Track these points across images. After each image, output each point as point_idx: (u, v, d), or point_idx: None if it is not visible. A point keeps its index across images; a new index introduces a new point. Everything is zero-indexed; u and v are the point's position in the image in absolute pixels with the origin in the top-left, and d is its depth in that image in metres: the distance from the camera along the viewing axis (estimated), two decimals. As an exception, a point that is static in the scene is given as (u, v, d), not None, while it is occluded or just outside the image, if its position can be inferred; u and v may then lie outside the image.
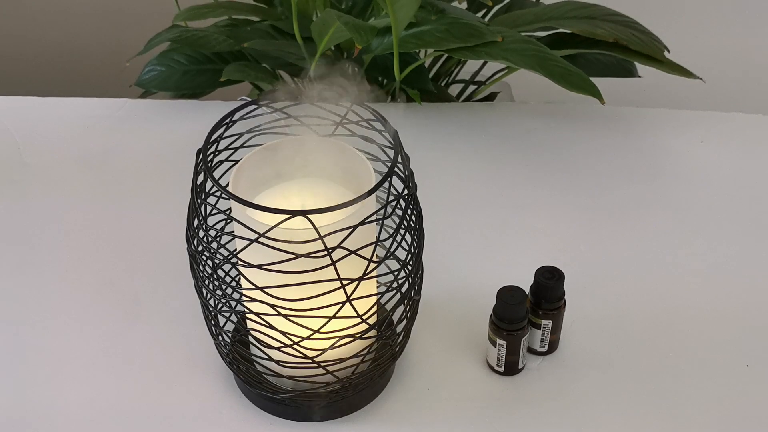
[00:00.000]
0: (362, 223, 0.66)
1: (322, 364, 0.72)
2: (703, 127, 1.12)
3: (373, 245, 0.68)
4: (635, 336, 0.85)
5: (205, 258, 0.71)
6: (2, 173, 1.05)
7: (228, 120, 0.72)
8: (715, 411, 0.79)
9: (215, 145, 0.71)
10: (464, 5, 1.23)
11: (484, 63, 1.28)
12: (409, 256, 0.73)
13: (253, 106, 0.73)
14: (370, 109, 0.72)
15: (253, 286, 0.68)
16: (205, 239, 0.70)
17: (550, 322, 0.81)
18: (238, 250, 0.68)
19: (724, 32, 1.74)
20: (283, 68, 1.17)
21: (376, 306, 0.74)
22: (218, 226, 0.75)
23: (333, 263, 0.65)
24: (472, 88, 1.34)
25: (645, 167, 1.06)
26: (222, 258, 0.69)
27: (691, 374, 0.82)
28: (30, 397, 0.80)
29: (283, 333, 0.70)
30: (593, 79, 1.01)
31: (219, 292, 0.72)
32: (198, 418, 0.78)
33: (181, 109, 1.16)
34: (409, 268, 0.73)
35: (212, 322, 0.75)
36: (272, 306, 0.68)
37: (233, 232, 0.69)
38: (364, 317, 0.71)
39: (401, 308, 0.75)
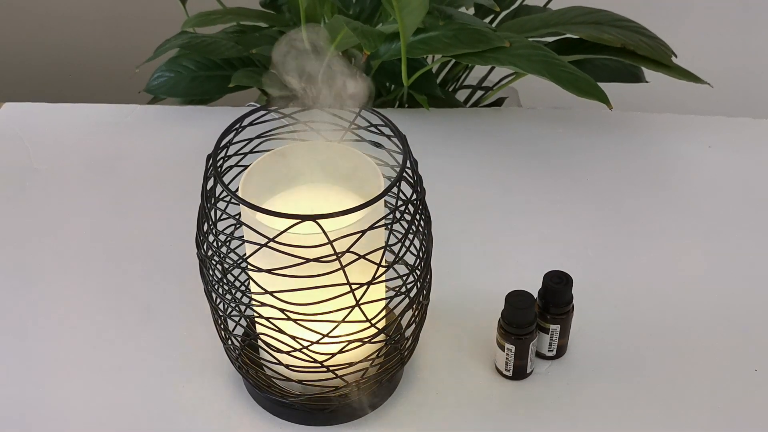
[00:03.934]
0: (371, 227, 0.66)
1: (331, 368, 0.72)
2: (710, 132, 1.12)
3: (382, 250, 0.68)
4: (643, 341, 0.85)
5: (214, 262, 0.71)
6: (12, 179, 1.06)
7: (237, 125, 0.72)
8: (723, 415, 0.79)
9: (225, 150, 0.72)
10: (472, 11, 1.24)
11: (492, 68, 1.28)
12: (418, 260, 0.73)
13: (263, 112, 0.74)
14: (378, 114, 0.72)
15: (263, 291, 0.68)
16: (214, 244, 0.70)
17: (559, 326, 0.81)
18: (247, 254, 0.69)
19: (732, 37, 1.74)
20: (292, 74, 1.17)
21: (384, 310, 0.74)
22: (228, 231, 0.76)
23: (342, 267, 0.66)
24: (479, 93, 1.34)
25: (652, 172, 1.06)
26: (231, 262, 0.70)
27: (699, 379, 0.82)
28: (40, 399, 0.80)
29: (293, 337, 0.70)
30: (600, 85, 1.01)
31: (228, 297, 0.73)
32: (207, 422, 0.79)
33: (189, 114, 1.17)
34: (418, 272, 0.73)
35: (222, 326, 0.76)
36: (281, 310, 0.68)
37: (243, 236, 0.70)
38: (373, 321, 0.71)
39: (410, 312, 0.75)
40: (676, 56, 1.11)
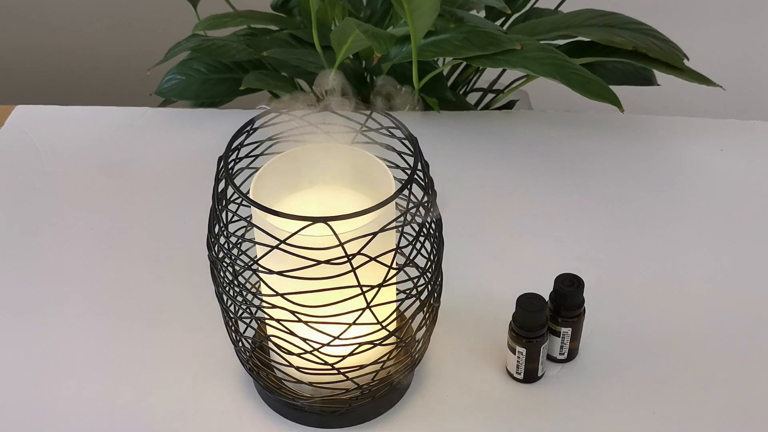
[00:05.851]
0: (382, 230, 0.66)
1: (341, 370, 0.72)
2: (722, 136, 1.12)
3: (393, 252, 0.68)
4: (655, 344, 0.85)
5: (225, 264, 0.71)
6: (24, 182, 1.06)
7: (249, 127, 0.72)
8: (734, 420, 0.79)
9: (236, 152, 0.72)
10: (483, 14, 1.24)
11: (503, 71, 1.28)
12: (429, 263, 0.73)
13: (274, 114, 0.74)
14: (389, 116, 0.72)
15: (274, 293, 0.68)
16: (225, 246, 0.70)
17: (570, 329, 0.80)
18: (258, 256, 0.69)
19: (744, 40, 1.74)
20: (302, 77, 1.18)
21: (395, 313, 0.74)
22: (239, 233, 0.76)
23: (353, 270, 0.65)
24: (490, 96, 1.34)
25: (664, 176, 1.06)
26: (243, 264, 0.70)
27: (710, 383, 0.81)
28: (51, 401, 0.81)
29: (303, 339, 0.70)
30: (612, 87, 1.01)
31: (239, 299, 0.73)
32: (218, 424, 0.79)
33: (200, 117, 1.17)
34: (429, 275, 0.73)
35: (232, 328, 0.76)
36: (292, 312, 0.68)
37: (254, 238, 0.70)
38: (384, 324, 0.71)
39: (420, 315, 0.75)
40: (687, 59, 1.10)
